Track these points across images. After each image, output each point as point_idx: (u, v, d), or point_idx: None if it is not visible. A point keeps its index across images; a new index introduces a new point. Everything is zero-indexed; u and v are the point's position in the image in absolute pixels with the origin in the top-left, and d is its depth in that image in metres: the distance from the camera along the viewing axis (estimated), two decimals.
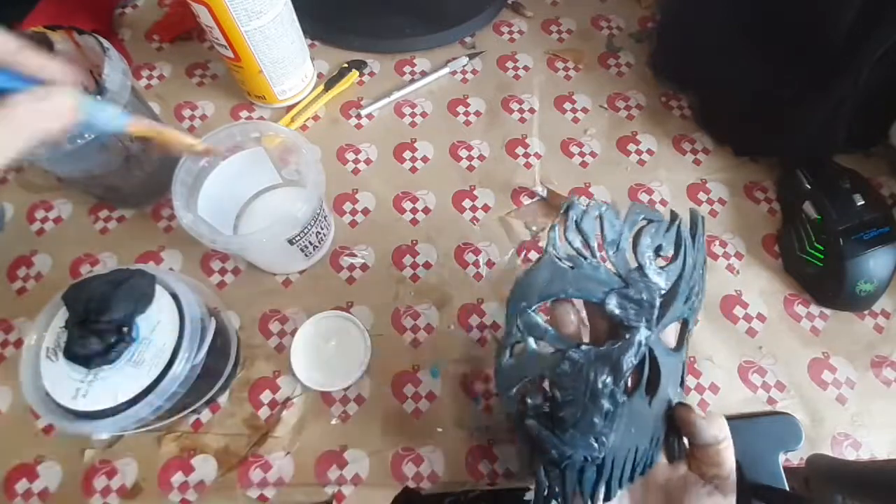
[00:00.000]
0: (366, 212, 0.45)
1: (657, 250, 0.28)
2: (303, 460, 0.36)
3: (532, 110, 0.49)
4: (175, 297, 0.32)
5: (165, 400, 0.30)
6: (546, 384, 0.27)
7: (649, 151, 0.47)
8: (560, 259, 0.27)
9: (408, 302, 0.41)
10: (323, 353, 0.39)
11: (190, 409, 0.35)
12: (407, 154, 0.47)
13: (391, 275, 0.42)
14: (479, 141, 0.48)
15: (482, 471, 0.36)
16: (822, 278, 0.40)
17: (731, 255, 0.43)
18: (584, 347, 0.27)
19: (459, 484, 0.36)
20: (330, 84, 0.50)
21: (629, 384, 0.27)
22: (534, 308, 0.27)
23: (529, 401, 0.27)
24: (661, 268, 0.28)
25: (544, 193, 0.44)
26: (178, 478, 0.36)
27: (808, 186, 0.42)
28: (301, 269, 0.42)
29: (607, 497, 0.26)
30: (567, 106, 0.50)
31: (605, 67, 0.52)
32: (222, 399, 0.38)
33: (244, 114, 0.49)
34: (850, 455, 0.37)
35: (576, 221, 0.28)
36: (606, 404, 0.26)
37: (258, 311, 0.41)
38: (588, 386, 0.26)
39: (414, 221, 0.44)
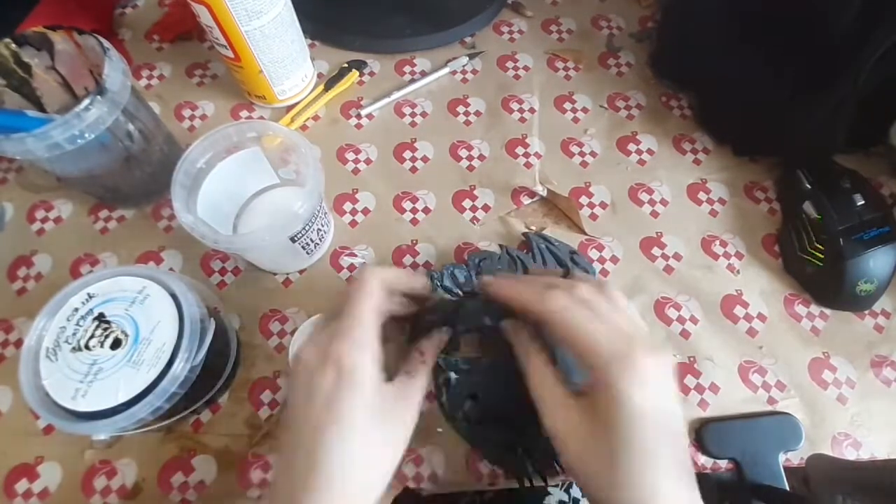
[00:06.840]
0: (366, 212, 0.45)
1: (494, 274, 0.41)
2: None
3: (532, 110, 0.49)
4: (174, 297, 0.32)
5: (165, 400, 0.30)
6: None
7: (649, 151, 0.47)
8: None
9: None
10: None
11: (190, 410, 0.35)
12: (407, 154, 0.47)
13: None
14: (479, 141, 0.48)
15: (482, 471, 0.36)
16: (822, 278, 0.40)
17: (732, 255, 0.43)
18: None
19: (459, 484, 0.36)
20: (330, 84, 0.50)
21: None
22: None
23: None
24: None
25: (544, 193, 0.44)
26: (178, 478, 0.36)
27: (808, 186, 0.42)
28: (301, 269, 0.42)
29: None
30: (567, 106, 0.50)
31: (605, 67, 0.52)
32: (222, 399, 0.38)
33: (244, 114, 0.49)
34: (850, 455, 0.37)
35: (439, 283, 0.40)
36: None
37: (258, 311, 0.41)
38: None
39: (414, 221, 0.44)
